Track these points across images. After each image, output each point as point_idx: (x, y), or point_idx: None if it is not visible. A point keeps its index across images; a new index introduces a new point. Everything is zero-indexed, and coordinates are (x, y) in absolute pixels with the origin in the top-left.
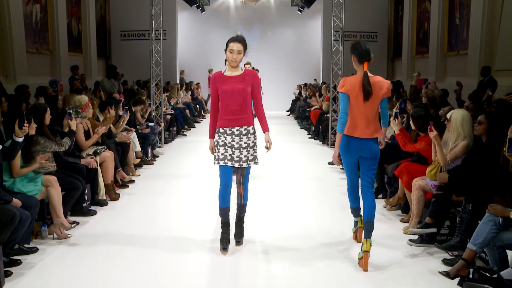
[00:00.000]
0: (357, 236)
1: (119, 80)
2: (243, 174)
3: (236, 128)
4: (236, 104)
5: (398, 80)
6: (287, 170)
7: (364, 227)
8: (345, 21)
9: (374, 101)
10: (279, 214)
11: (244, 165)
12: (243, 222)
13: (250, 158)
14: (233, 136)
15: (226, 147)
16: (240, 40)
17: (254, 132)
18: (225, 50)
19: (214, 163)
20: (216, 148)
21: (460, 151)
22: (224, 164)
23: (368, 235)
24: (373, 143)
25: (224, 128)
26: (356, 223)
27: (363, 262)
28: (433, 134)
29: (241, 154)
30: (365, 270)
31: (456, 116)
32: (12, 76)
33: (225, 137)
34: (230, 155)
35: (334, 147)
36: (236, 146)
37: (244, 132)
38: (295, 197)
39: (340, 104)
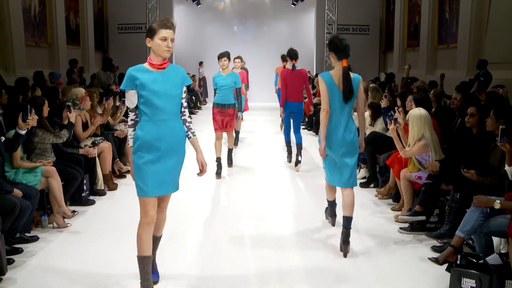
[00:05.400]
0: None
1: (115, 72)
2: None
3: None
4: None
5: (391, 72)
6: (277, 160)
7: None
8: (338, 15)
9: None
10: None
11: None
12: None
13: None
14: None
15: None
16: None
17: None
18: None
19: None
20: None
21: (416, 150)
22: None
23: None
24: None
25: None
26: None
27: None
28: (391, 126)
29: None
30: None
31: (414, 115)
32: (12, 69)
33: None
34: None
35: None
36: None
37: None
38: (284, 186)
39: None
